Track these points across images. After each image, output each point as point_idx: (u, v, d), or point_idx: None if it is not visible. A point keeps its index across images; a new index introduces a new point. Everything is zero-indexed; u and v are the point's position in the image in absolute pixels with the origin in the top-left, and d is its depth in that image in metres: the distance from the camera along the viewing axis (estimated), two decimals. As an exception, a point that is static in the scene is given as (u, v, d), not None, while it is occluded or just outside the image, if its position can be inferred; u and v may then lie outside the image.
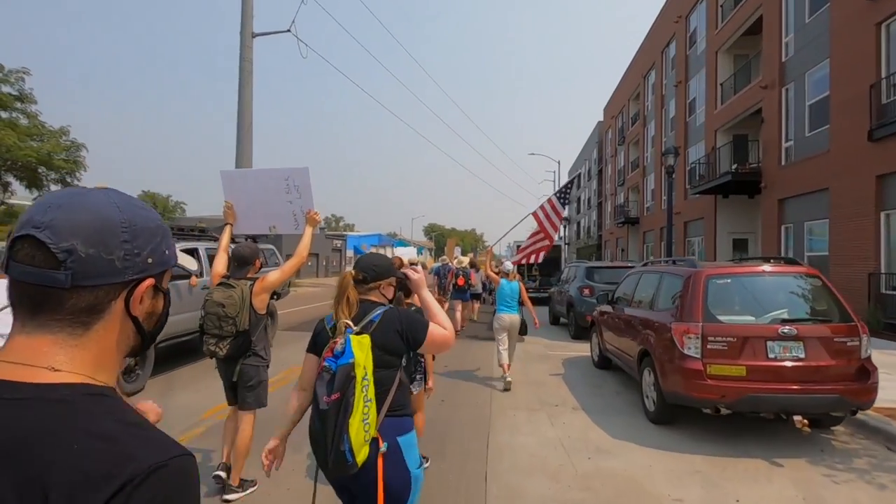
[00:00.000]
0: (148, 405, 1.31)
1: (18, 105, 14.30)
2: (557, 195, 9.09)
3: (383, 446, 1.81)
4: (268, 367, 3.49)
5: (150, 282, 0.71)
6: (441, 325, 2.02)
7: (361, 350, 1.78)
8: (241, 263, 3.38)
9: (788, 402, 4.00)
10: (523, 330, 7.03)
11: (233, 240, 3.72)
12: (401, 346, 1.91)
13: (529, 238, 9.05)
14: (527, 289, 18.74)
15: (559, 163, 39.20)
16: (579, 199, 53.64)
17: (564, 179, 51.73)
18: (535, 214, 8.98)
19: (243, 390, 3.34)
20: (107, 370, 0.69)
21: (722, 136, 19.62)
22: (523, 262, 9.00)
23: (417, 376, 3.55)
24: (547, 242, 8.53)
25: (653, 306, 5.25)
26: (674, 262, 5.44)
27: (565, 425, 4.92)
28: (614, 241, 37.26)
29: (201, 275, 7.17)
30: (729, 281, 4.51)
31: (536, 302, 17.71)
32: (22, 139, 13.72)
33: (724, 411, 4.19)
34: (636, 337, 5.46)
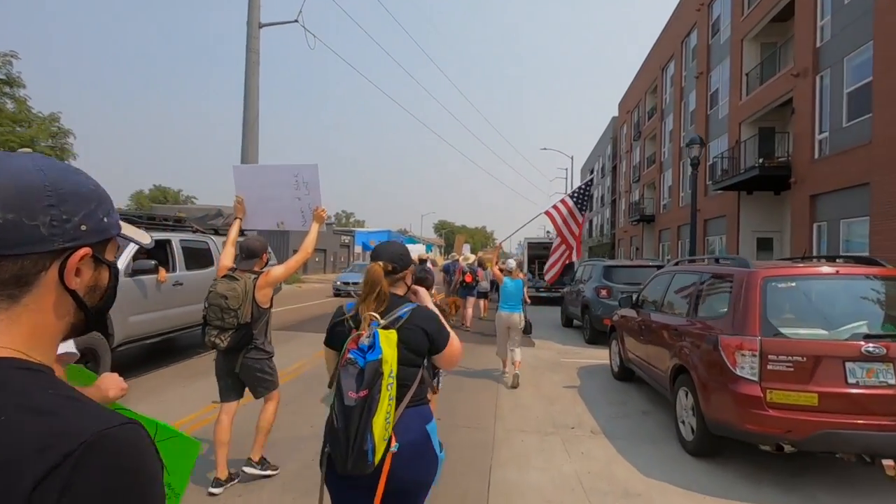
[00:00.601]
0: (112, 379, 1.26)
1: (7, 90, 13.77)
2: (575, 199, 8.22)
3: (395, 446, 1.72)
4: (272, 358, 3.48)
5: (84, 251, 0.65)
6: (455, 340, 1.96)
7: (389, 346, 1.70)
8: (249, 255, 3.40)
9: (878, 442, 3.12)
10: (527, 329, 6.84)
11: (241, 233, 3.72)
12: (426, 346, 1.85)
13: (553, 252, 8.31)
14: (537, 288, 17.89)
15: (572, 158, 38.10)
16: (592, 196, 52.41)
17: (577, 176, 50.60)
18: (548, 214, 8.22)
19: (254, 385, 3.39)
20: (43, 348, 0.64)
21: (747, 129, 18.53)
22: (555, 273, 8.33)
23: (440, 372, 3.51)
24: (567, 253, 7.85)
25: (691, 313, 4.38)
26: (717, 261, 4.55)
27: (584, 456, 4.08)
28: (628, 239, 36.16)
29: (174, 269, 6.43)
30: (793, 284, 3.62)
31: (547, 302, 16.96)
32: (7, 124, 13.15)
33: (788, 449, 3.33)
34: (668, 349, 4.60)
